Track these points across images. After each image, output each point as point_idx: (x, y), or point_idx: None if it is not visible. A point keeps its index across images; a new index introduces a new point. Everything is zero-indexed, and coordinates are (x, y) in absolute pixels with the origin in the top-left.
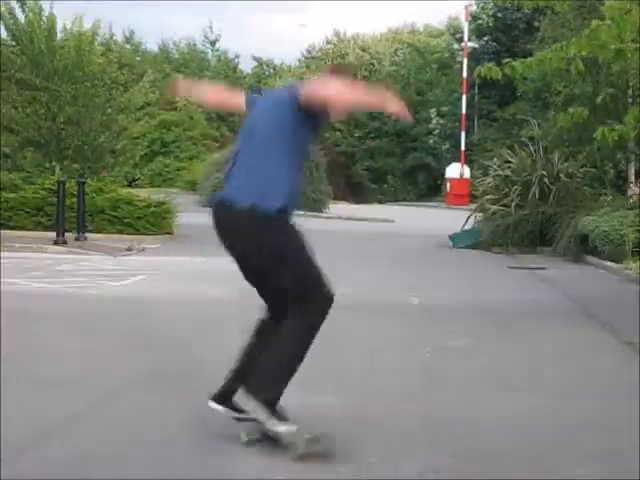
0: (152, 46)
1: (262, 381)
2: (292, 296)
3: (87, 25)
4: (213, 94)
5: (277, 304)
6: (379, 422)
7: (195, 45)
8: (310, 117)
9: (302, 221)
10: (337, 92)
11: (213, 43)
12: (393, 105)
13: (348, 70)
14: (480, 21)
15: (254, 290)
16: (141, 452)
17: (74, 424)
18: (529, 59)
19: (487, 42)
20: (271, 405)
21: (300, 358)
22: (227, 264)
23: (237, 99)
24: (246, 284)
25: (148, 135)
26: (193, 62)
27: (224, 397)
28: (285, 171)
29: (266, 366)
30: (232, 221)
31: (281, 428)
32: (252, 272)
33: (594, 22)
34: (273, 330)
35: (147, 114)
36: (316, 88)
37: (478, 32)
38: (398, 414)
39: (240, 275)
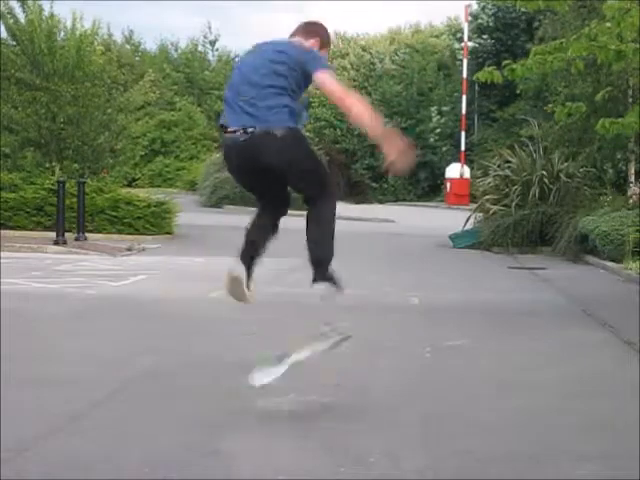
0: (151, 46)
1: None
2: (320, 186)
3: (87, 24)
4: None
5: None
6: (379, 422)
7: (196, 45)
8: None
9: (302, 222)
10: (357, 108)
11: (213, 43)
12: (393, 150)
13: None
14: (480, 20)
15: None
16: (140, 452)
17: (74, 424)
18: (529, 60)
19: (487, 42)
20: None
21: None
22: (226, 264)
23: None
24: None
25: (148, 135)
26: (195, 62)
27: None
28: (289, 100)
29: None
30: (275, 142)
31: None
32: (276, 179)
33: (593, 22)
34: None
35: (147, 114)
36: (337, 89)
37: (478, 32)
38: (398, 414)
39: None
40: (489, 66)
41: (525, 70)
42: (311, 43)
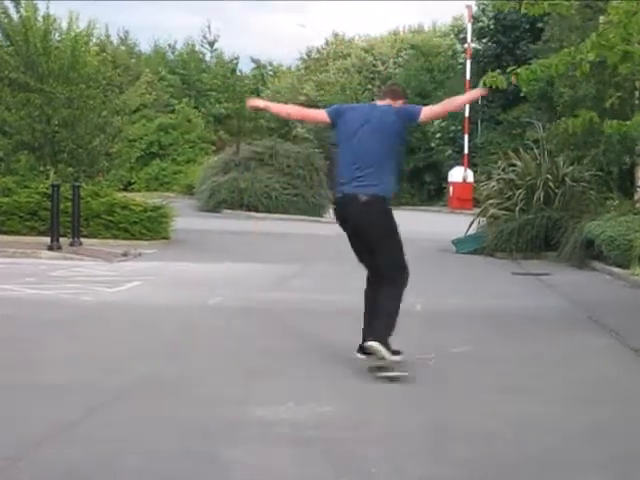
0: (146, 47)
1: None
2: (391, 264)
3: (82, 25)
4: (293, 110)
5: (378, 268)
6: (381, 430)
7: (193, 45)
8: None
9: (302, 226)
10: (444, 105)
11: (212, 44)
12: (474, 94)
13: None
14: (481, 23)
15: (250, 295)
16: (137, 460)
17: (70, 431)
18: (534, 65)
19: (487, 44)
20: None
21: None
22: (224, 270)
23: (319, 114)
24: (244, 290)
25: (145, 138)
26: (191, 63)
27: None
28: (390, 170)
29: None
30: (360, 206)
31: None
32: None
33: (601, 23)
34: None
35: (144, 116)
36: (434, 110)
37: (479, 34)
38: (400, 422)
39: (237, 281)
40: (492, 70)
41: (530, 74)
42: (401, 102)
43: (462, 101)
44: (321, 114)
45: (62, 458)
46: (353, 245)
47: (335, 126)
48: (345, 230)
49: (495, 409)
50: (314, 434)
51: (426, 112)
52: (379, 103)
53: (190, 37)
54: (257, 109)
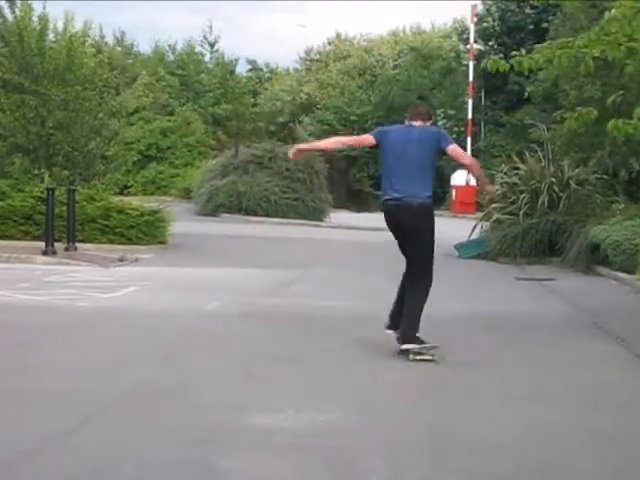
0: (145, 48)
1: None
2: (421, 264)
3: (78, 25)
4: (337, 142)
5: (413, 264)
6: (381, 438)
7: (193, 46)
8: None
9: (302, 230)
10: (471, 162)
11: (212, 44)
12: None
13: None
14: (485, 24)
15: (249, 300)
16: (134, 469)
17: (65, 439)
18: (536, 54)
19: (492, 46)
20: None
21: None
22: (222, 275)
23: (366, 139)
24: (243, 295)
25: (143, 140)
26: (191, 64)
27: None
28: (430, 181)
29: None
30: (412, 211)
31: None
32: (409, 241)
33: (605, 19)
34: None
35: (142, 118)
36: (462, 154)
37: (484, 35)
38: (401, 430)
39: (235, 286)
40: (496, 72)
41: (532, 62)
42: (429, 124)
43: (479, 174)
44: (368, 138)
45: (58, 466)
46: (400, 245)
47: (381, 145)
48: (394, 231)
49: (496, 416)
50: (314, 442)
51: (455, 150)
52: (414, 124)
53: (191, 37)
54: (303, 151)
